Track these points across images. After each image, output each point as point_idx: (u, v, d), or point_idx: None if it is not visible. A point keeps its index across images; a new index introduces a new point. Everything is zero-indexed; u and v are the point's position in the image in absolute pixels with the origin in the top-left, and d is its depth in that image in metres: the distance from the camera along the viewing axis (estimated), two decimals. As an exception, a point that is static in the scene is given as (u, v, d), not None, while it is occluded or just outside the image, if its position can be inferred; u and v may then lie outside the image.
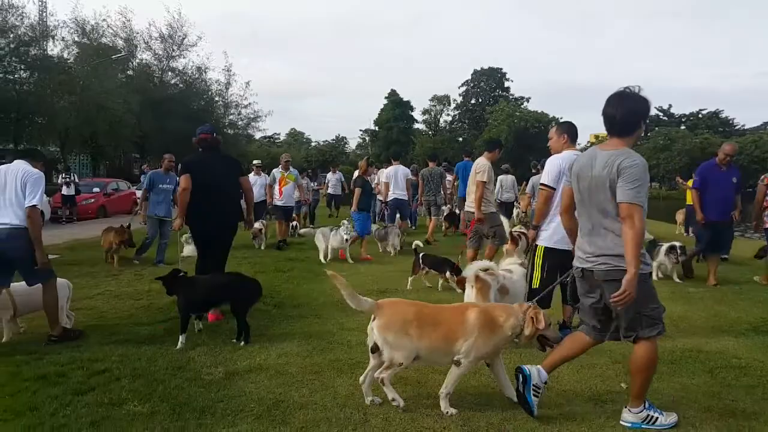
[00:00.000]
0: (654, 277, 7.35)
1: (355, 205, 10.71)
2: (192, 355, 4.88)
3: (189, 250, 10.41)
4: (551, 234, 5.11)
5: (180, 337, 5.16)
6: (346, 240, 10.19)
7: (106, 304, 6.82)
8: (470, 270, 5.17)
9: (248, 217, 6.82)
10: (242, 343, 5.20)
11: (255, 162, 13.68)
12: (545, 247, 5.14)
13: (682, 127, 64.70)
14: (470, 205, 7.89)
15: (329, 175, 20.17)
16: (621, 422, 3.61)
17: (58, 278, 5.46)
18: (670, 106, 68.84)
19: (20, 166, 5.22)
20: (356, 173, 18.11)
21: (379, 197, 13.72)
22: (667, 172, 54.86)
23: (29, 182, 5.08)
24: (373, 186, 14.72)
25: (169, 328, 5.68)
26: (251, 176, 12.65)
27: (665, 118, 68.02)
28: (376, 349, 3.81)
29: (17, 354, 4.85)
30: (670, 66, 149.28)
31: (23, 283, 5.46)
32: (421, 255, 7.98)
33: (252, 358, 4.82)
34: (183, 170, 6.23)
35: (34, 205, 5.04)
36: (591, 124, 59.37)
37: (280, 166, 12.45)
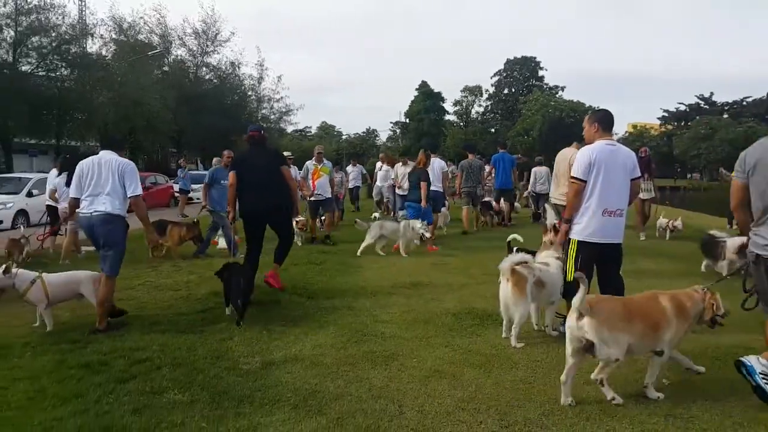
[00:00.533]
0: (724, 274, 7.00)
1: (424, 200, 10.49)
2: (230, 344, 4.97)
3: (223, 243, 10.66)
4: (584, 227, 4.96)
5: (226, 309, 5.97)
6: (425, 235, 10.17)
7: (147, 295, 6.97)
8: (506, 263, 5.08)
9: (294, 206, 7.18)
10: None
11: (284, 153, 13.23)
12: (578, 241, 5.01)
13: (725, 116, 62.77)
14: (560, 198, 7.68)
15: (349, 168, 19.85)
16: (742, 358, 3.72)
17: (96, 272, 5.66)
18: (712, 94, 66.84)
19: (112, 157, 5.54)
20: (379, 164, 17.45)
21: (399, 191, 13.25)
22: (709, 162, 53.36)
23: (126, 173, 5.47)
24: (392, 179, 14.42)
25: (207, 318, 5.79)
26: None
27: (707, 106, 66.07)
28: (585, 348, 3.76)
29: (62, 343, 5.00)
30: (711, 52, 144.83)
31: (56, 274, 5.71)
32: (515, 249, 7.64)
33: (287, 348, 4.87)
34: (231, 167, 7.05)
35: (138, 195, 5.54)
36: (628, 113, 58.06)
37: (313, 158, 11.88)
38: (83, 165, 5.52)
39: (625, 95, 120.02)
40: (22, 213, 15.43)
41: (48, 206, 10.02)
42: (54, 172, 10.30)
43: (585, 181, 4.86)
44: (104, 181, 5.40)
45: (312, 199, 11.76)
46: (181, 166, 20.87)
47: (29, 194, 15.83)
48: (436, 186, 11.61)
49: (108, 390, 3.96)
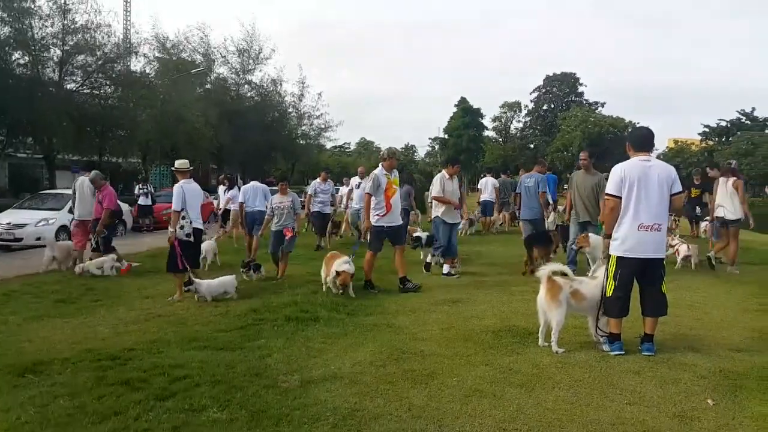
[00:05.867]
0: None
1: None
2: (269, 362, 4.95)
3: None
4: (621, 242, 5.08)
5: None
6: None
7: (187, 312, 7.02)
8: (543, 271, 5.26)
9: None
10: None
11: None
12: (617, 257, 5.09)
13: (767, 131, 60.96)
14: None
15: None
16: None
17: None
18: (754, 108, 64.51)
19: (260, 185, 11.27)
20: (356, 180, 15.03)
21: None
22: (751, 178, 51.70)
23: (267, 193, 10.85)
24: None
25: (246, 335, 5.80)
26: (317, 182, 13.88)
27: (748, 122, 64.20)
28: None
29: (102, 359, 5.02)
30: (754, 66, 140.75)
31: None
32: None
33: (327, 366, 4.83)
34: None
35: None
36: (670, 128, 57.04)
37: (380, 164, 8.47)
38: (247, 187, 11.01)
39: (667, 109, 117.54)
40: (63, 229, 15.05)
41: (225, 210, 15.08)
42: (222, 188, 15.98)
43: (618, 197, 5.06)
44: (260, 196, 10.90)
45: (383, 224, 8.27)
46: (224, 183, 20.04)
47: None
48: (486, 197, 16.74)
49: (147, 407, 3.95)
